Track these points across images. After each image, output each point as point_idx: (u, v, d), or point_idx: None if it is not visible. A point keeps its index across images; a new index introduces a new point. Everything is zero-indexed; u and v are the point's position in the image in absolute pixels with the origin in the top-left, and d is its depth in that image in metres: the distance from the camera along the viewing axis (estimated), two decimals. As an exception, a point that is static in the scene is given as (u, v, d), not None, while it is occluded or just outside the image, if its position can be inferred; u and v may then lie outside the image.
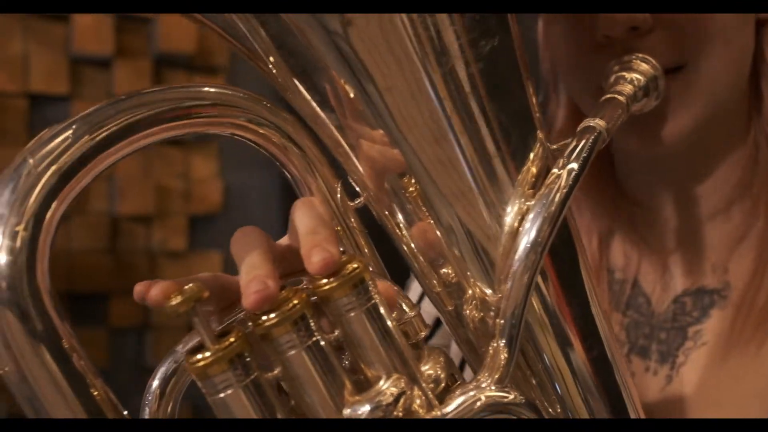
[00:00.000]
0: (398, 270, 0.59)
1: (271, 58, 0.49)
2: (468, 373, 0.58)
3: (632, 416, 0.59)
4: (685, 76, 0.67)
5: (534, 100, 0.52)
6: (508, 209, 0.50)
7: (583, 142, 0.51)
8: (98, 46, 2.49)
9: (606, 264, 0.80)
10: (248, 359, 0.47)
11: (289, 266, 0.52)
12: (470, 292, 0.52)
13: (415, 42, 0.47)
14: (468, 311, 0.53)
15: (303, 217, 0.50)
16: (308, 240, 0.48)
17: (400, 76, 0.47)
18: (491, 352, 0.51)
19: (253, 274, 0.47)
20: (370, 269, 0.49)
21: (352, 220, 0.55)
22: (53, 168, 0.45)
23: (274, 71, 0.50)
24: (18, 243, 0.44)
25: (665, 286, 0.77)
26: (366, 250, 0.56)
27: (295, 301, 0.46)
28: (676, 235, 0.78)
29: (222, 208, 2.78)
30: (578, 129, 0.53)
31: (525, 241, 0.48)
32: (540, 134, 0.52)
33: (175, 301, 0.45)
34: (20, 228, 0.44)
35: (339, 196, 0.54)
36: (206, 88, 0.49)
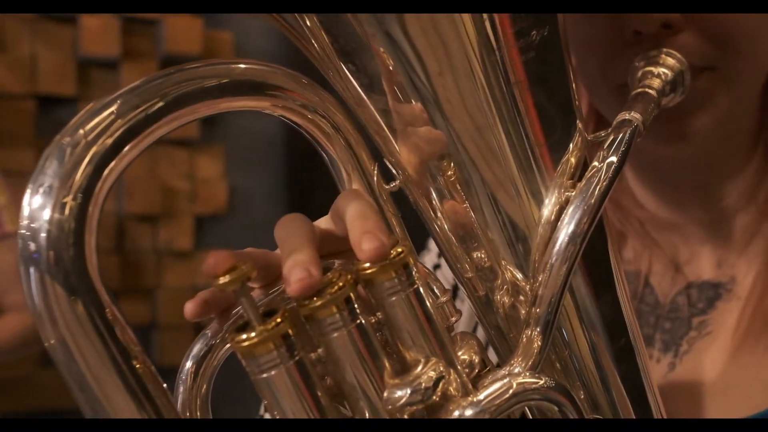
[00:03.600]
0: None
1: (319, 41, 0.48)
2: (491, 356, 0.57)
3: (651, 404, 0.59)
4: (712, 75, 0.67)
5: (575, 88, 0.52)
6: (546, 200, 0.50)
7: (621, 135, 0.51)
8: (105, 48, 2.50)
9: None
10: (293, 340, 0.47)
11: (329, 248, 0.52)
12: (503, 278, 0.52)
13: (467, 29, 0.46)
14: (499, 297, 0.53)
15: (352, 201, 0.49)
16: (358, 225, 0.47)
17: (450, 62, 0.47)
18: (524, 339, 0.50)
19: (296, 260, 0.46)
20: (414, 253, 0.48)
21: (387, 202, 0.55)
22: (102, 140, 0.45)
23: (321, 52, 0.50)
24: (66, 214, 0.44)
25: (672, 279, 0.79)
26: (397, 229, 0.56)
27: (341, 284, 0.46)
28: (686, 238, 0.79)
29: (227, 208, 2.78)
30: (615, 122, 0.53)
31: (564, 233, 0.48)
32: (580, 124, 0.52)
33: (224, 279, 0.45)
34: (68, 199, 0.44)
35: (375, 179, 0.54)
36: (253, 66, 0.49)
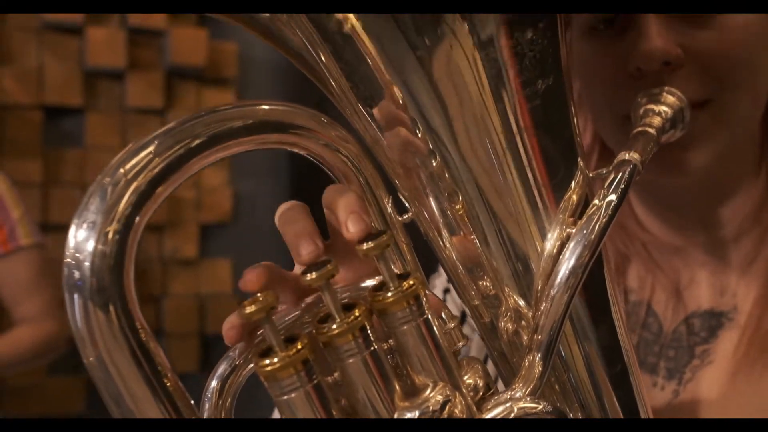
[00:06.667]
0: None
1: (339, 83, 0.52)
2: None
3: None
4: (710, 110, 0.70)
5: (577, 127, 0.55)
6: (549, 235, 0.54)
7: (621, 174, 0.54)
8: (111, 59, 2.53)
9: (623, 286, 0.84)
10: (311, 365, 0.50)
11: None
12: (507, 305, 0.56)
13: (481, 78, 0.50)
14: (503, 323, 0.56)
15: (338, 193, 0.54)
16: (343, 208, 0.52)
17: (463, 109, 0.50)
18: (527, 364, 0.53)
19: (299, 233, 0.52)
20: (426, 285, 0.52)
21: (399, 232, 0.58)
22: (140, 178, 0.48)
23: (340, 92, 0.53)
24: (108, 246, 0.48)
25: (676, 307, 0.81)
26: (409, 257, 0.60)
27: (357, 313, 0.50)
28: (687, 261, 0.81)
29: (232, 216, 2.81)
30: (615, 162, 0.56)
31: (566, 267, 0.52)
32: (581, 162, 0.56)
33: (250, 309, 0.49)
34: (110, 232, 0.48)
35: (390, 211, 0.58)
36: (282, 108, 0.53)
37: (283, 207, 0.56)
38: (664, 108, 0.65)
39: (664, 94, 0.66)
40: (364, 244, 0.50)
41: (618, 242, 0.84)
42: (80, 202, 0.50)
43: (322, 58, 0.52)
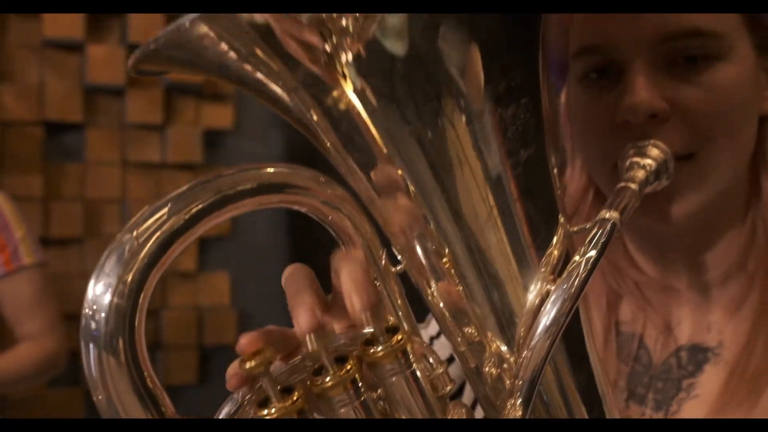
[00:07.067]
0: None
1: (337, 148, 0.57)
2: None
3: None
4: (694, 163, 0.73)
5: (558, 188, 0.60)
6: (532, 287, 0.58)
7: (600, 232, 0.58)
8: (111, 76, 2.57)
9: (615, 318, 0.87)
10: (306, 415, 0.55)
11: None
12: (490, 351, 0.60)
13: (469, 149, 0.54)
14: (487, 368, 0.60)
15: (346, 263, 0.59)
16: (348, 287, 0.57)
17: (455, 177, 0.55)
18: (509, 407, 0.57)
19: (301, 302, 0.57)
20: (413, 340, 0.57)
21: (393, 282, 0.63)
22: (153, 239, 0.53)
23: (334, 150, 0.58)
24: (123, 300, 0.52)
25: (665, 341, 0.84)
26: (400, 302, 0.64)
27: (349, 367, 0.55)
28: (677, 300, 0.85)
29: (230, 230, 2.85)
30: (596, 219, 0.60)
31: (546, 319, 0.56)
32: (561, 219, 0.60)
33: (251, 364, 0.54)
34: (125, 287, 0.52)
35: (383, 262, 0.62)
36: (284, 170, 0.57)
37: (288, 270, 0.60)
38: (648, 161, 0.69)
39: (650, 146, 0.70)
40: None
41: (611, 280, 0.87)
42: (100, 259, 0.55)
43: (320, 128, 0.56)
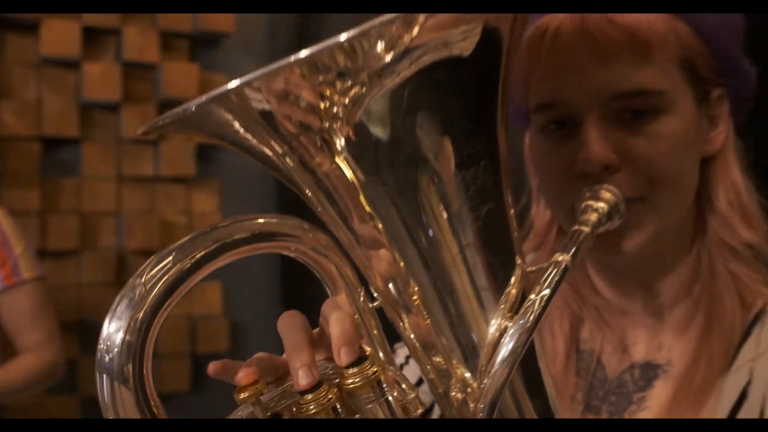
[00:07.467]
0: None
1: (322, 203, 0.65)
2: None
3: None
4: (643, 204, 0.82)
5: (516, 233, 0.68)
6: (492, 322, 0.66)
7: (554, 273, 0.67)
8: (106, 93, 2.64)
9: (576, 337, 0.97)
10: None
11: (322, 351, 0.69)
12: (456, 378, 0.67)
13: (437, 206, 0.63)
14: (453, 393, 0.68)
15: (334, 311, 0.66)
16: (337, 337, 0.63)
17: (425, 230, 0.63)
18: None
19: (302, 363, 0.63)
20: (387, 369, 0.65)
21: (370, 316, 0.71)
22: (160, 284, 0.61)
23: (323, 211, 0.66)
24: (134, 337, 0.60)
25: (620, 359, 0.93)
26: (376, 333, 0.72)
27: (330, 396, 0.63)
28: (632, 322, 0.94)
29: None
30: (551, 261, 0.68)
31: (505, 350, 0.64)
32: (518, 260, 0.68)
33: (244, 395, 0.63)
34: (135, 326, 0.60)
35: (362, 298, 0.71)
36: (273, 220, 0.65)
37: (284, 315, 0.68)
38: (601, 204, 0.78)
39: (603, 191, 0.79)
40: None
41: (573, 305, 0.97)
42: (114, 300, 0.63)
43: (306, 185, 0.65)
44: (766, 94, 0.93)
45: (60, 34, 2.58)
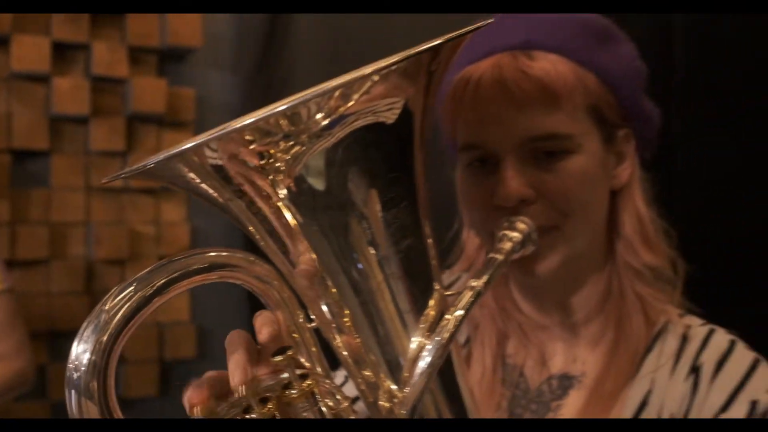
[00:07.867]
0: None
1: (264, 238, 0.75)
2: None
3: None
4: (556, 233, 0.94)
5: (434, 262, 0.78)
6: (413, 339, 0.76)
7: (469, 296, 0.77)
8: (75, 106, 2.69)
9: (502, 352, 1.08)
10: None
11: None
12: (383, 389, 0.77)
13: (364, 241, 0.73)
14: (382, 402, 0.77)
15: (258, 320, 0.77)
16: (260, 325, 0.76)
17: (353, 261, 0.74)
18: None
19: (238, 382, 0.74)
20: (322, 383, 0.75)
21: (308, 335, 0.81)
22: (123, 310, 0.70)
23: (265, 245, 0.76)
24: (98, 357, 0.70)
25: (540, 371, 1.04)
26: (314, 350, 0.82)
27: (270, 406, 0.73)
28: (550, 336, 1.05)
29: (190, 248, 2.98)
30: (465, 285, 0.78)
31: (424, 363, 0.74)
32: (436, 286, 0.79)
33: (197, 413, 0.73)
34: (99, 349, 0.70)
35: (301, 320, 0.81)
36: (223, 253, 0.75)
37: (230, 334, 0.77)
38: (516, 234, 0.89)
39: (518, 222, 0.90)
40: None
41: (499, 321, 1.08)
42: (82, 308, 0.72)
43: (250, 223, 0.75)
44: (668, 133, 1.05)
45: (30, 49, 2.64)
